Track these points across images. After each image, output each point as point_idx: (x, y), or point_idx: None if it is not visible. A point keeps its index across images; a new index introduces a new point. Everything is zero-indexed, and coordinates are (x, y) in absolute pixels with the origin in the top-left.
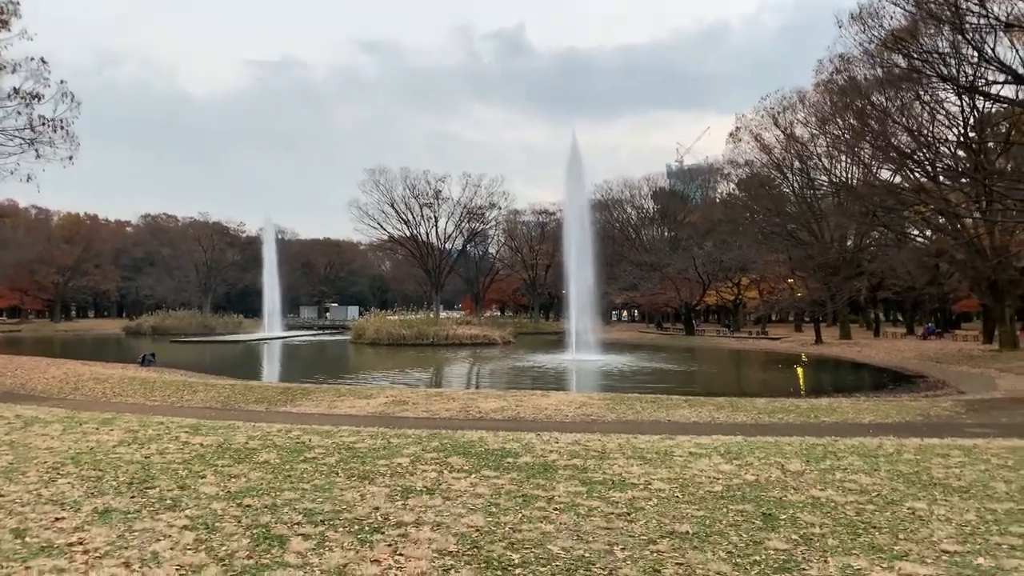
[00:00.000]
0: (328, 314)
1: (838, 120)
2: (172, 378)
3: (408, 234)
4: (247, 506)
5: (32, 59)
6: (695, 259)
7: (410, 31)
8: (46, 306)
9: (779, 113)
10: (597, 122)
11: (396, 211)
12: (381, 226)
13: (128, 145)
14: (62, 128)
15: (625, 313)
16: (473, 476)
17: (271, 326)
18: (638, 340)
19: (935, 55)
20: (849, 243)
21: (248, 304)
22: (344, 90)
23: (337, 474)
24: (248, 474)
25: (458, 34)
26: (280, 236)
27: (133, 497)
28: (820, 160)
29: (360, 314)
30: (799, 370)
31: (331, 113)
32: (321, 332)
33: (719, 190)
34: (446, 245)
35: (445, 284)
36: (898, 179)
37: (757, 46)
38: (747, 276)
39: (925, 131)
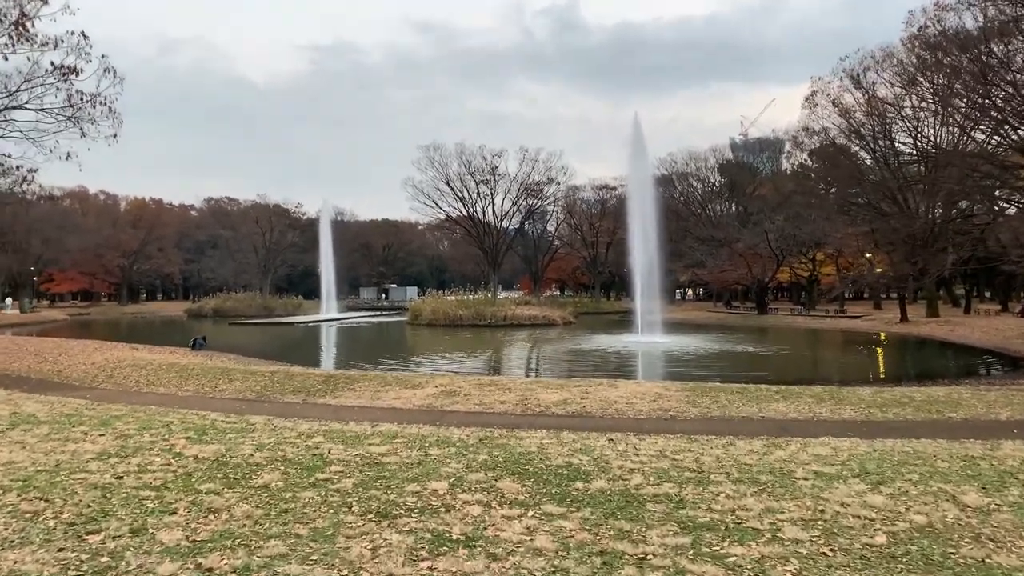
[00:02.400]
0: (387, 295)
1: (929, 77)
2: (214, 364)
3: (464, 212)
4: (208, 571)
5: (72, 33)
6: (767, 233)
7: (463, 10)
8: (114, 289)
9: (861, 73)
10: (653, 96)
11: (452, 188)
12: (437, 204)
13: (191, 130)
14: (103, 104)
15: (690, 291)
16: (531, 514)
17: (328, 308)
18: (706, 320)
19: None
20: (938, 213)
21: (308, 285)
22: (398, 71)
23: (350, 508)
24: (234, 508)
25: (511, 11)
26: (338, 217)
27: (61, 550)
28: (906, 123)
29: (419, 295)
30: (881, 351)
31: (386, 94)
32: (379, 313)
33: (790, 161)
34: (503, 223)
35: (503, 263)
36: (995, 141)
37: (818, 15)
38: (823, 251)
39: None
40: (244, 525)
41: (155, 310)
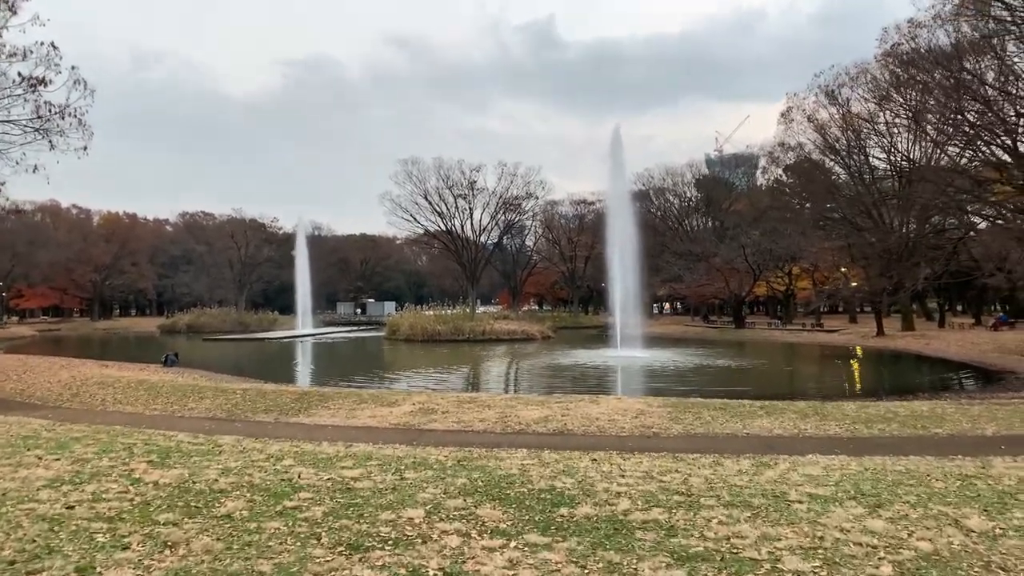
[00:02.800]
0: (365, 310)
1: (903, 93)
2: (185, 382)
3: (443, 227)
4: None
5: (42, 44)
6: (744, 247)
7: (440, 25)
8: (86, 305)
9: (836, 89)
10: (630, 113)
11: (430, 203)
12: (414, 218)
13: (166, 145)
14: (72, 116)
15: (667, 306)
16: (514, 545)
17: (304, 323)
18: (684, 334)
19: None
20: (912, 228)
21: (285, 301)
22: (376, 86)
23: (318, 540)
24: (192, 541)
25: (488, 27)
26: (316, 232)
27: None
28: (880, 138)
29: (397, 310)
30: (859, 366)
31: (364, 110)
32: (357, 328)
33: (766, 176)
34: (482, 238)
35: (481, 278)
36: (967, 156)
37: (792, 33)
38: (799, 265)
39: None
40: (202, 561)
41: (128, 326)
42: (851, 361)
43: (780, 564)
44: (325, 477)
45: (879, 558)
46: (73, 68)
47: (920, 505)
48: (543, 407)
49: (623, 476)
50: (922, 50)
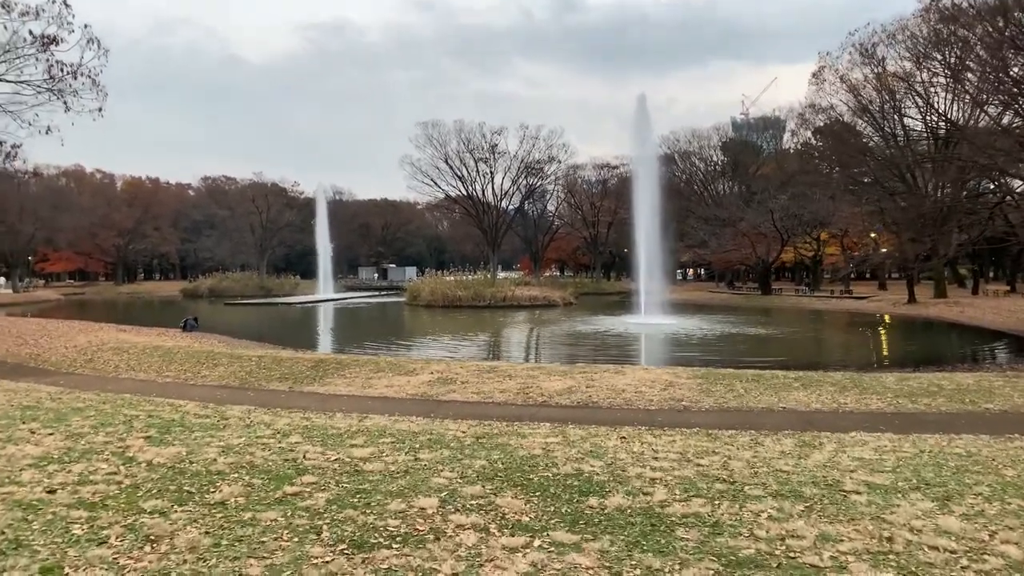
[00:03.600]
0: (386, 275)
1: (943, 50)
2: (201, 348)
3: (463, 191)
4: None
5: (54, 2)
6: (772, 212)
7: None
8: (110, 269)
9: (871, 47)
10: (653, 77)
11: (450, 167)
12: (435, 183)
13: (187, 110)
14: (86, 76)
15: (691, 272)
16: (538, 544)
17: (325, 288)
18: (709, 300)
19: None
20: (947, 192)
21: (307, 265)
22: (398, 51)
23: (318, 535)
24: (177, 535)
25: None
26: (337, 197)
27: None
28: (917, 99)
29: (418, 275)
30: (893, 334)
31: (386, 74)
32: (378, 293)
33: (794, 140)
34: (503, 202)
35: (503, 243)
36: (1007, 119)
37: None
38: (827, 231)
39: None
40: (184, 560)
41: (151, 290)
42: (882, 329)
43: (848, 570)
44: (333, 457)
45: (962, 567)
46: (86, 27)
47: (995, 499)
48: (566, 377)
49: (656, 458)
50: (965, 4)
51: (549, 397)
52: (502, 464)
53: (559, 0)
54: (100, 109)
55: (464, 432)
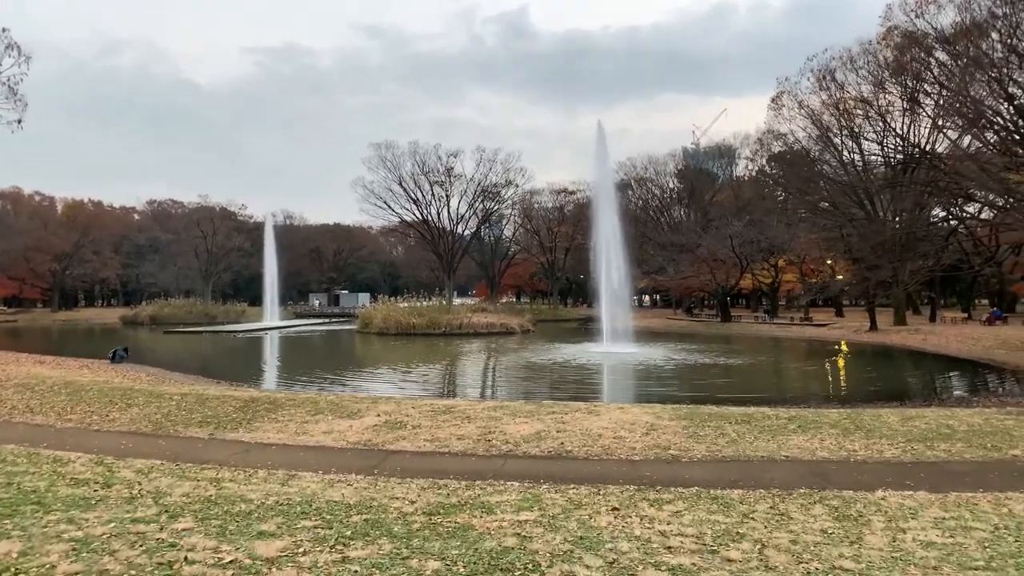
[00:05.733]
0: (338, 301)
1: (904, 73)
2: (120, 383)
3: (418, 215)
4: None
5: None
6: (731, 238)
7: (413, 15)
8: (47, 295)
9: (829, 74)
10: (604, 106)
11: (405, 189)
12: (388, 206)
13: (135, 133)
14: (2, 83)
15: (647, 298)
16: None
17: (272, 315)
18: (668, 328)
19: None
20: (904, 219)
21: (256, 291)
22: (349, 76)
23: None
24: None
25: (461, 18)
26: (288, 221)
27: None
28: (875, 123)
29: (372, 301)
30: (863, 363)
31: (337, 99)
32: (329, 321)
33: (748, 168)
34: (459, 227)
35: (458, 269)
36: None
37: (763, 27)
38: (785, 257)
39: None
40: None
41: (89, 317)
42: (850, 358)
43: None
44: (227, 559)
45: None
46: (4, 31)
47: None
48: (533, 419)
49: (669, 548)
50: (919, 32)
51: (515, 445)
52: (463, 567)
53: (509, 27)
54: (19, 121)
55: (413, 502)
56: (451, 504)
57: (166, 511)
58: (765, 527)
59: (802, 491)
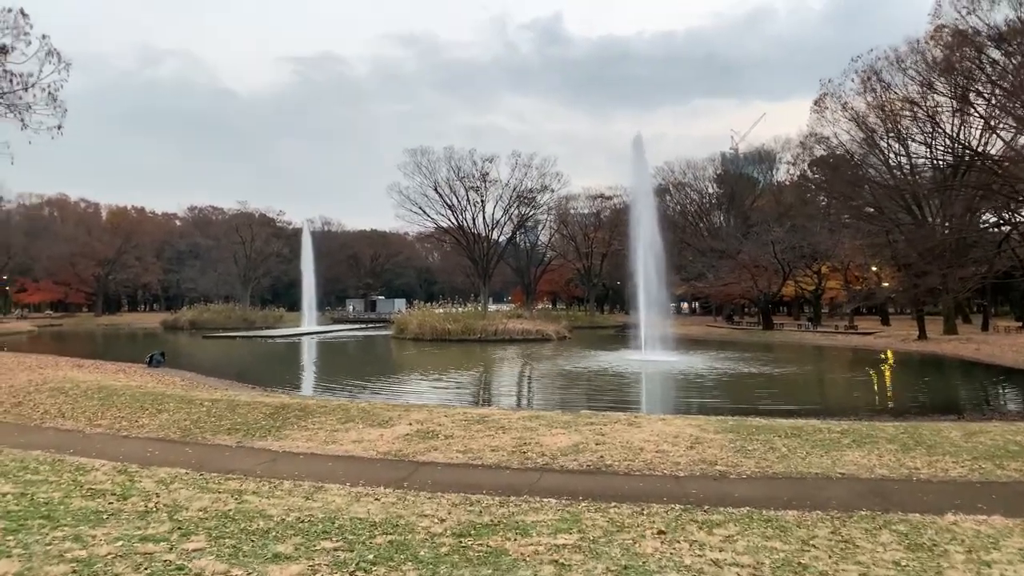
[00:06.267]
0: (375, 307)
1: (953, 72)
2: (151, 388)
3: (453, 220)
4: None
5: (9, 10)
6: (773, 244)
7: (446, 23)
8: (91, 299)
9: (874, 74)
10: (639, 112)
11: (440, 195)
12: (424, 211)
13: (177, 141)
14: (41, 89)
15: (685, 305)
16: None
17: (310, 320)
18: (707, 335)
19: None
20: (954, 224)
21: (294, 297)
22: (384, 84)
23: None
24: None
25: (495, 25)
26: (325, 227)
27: None
28: (923, 125)
29: (408, 307)
30: (916, 374)
31: (372, 107)
32: (365, 326)
33: (789, 172)
34: (494, 233)
35: (494, 275)
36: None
37: (802, 31)
38: (828, 264)
39: None
40: None
41: (131, 321)
42: (900, 368)
43: None
44: None
45: None
46: (44, 37)
47: None
48: (571, 431)
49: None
50: (970, 31)
51: (552, 458)
52: None
53: (543, 34)
54: (59, 127)
55: (443, 521)
56: (483, 524)
57: (179, 528)
58: (829, 557)
59: (863, 513)
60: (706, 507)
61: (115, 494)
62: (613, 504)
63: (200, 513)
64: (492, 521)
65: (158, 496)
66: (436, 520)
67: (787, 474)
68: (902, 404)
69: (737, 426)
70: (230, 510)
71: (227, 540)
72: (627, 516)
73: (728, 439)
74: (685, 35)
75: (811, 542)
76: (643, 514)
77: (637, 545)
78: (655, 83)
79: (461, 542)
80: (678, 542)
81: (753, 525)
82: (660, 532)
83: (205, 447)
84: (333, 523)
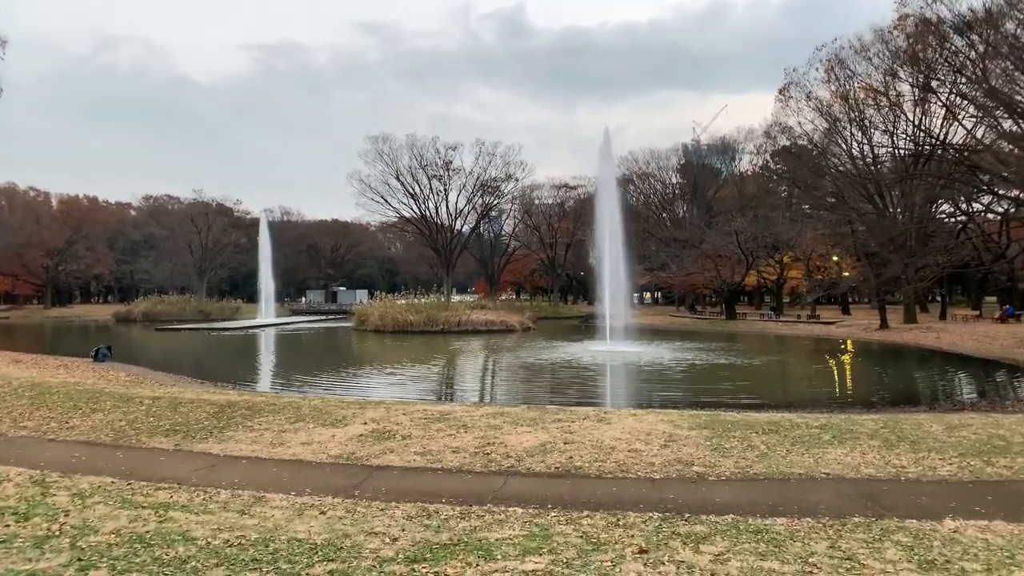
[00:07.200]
0: (336, 298)
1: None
2: (92, 385)
3: (416, 210)
4: None
5: None
6: (737, 233)
7: (409, 12)
8: (39, 291)
9: (841, 62)
10: (602, 103)
11: (402, 183)
12: (385, 200)
13: (133, 129)
14: None
15: (648, 295)
16: None
17: (267, 312)
18: (670, 326)
19: None
20: (915, 214)
21: (253, 288)
22: (346, 73)
23: None
24: None
25: (457, 14)
26: (285, 217)
27: None
28: (884, 116)
29: (369, 298)
30: (878, 363)
31: (335, 96)
32: (325, 318)
33: (752, 163)
34: (458, 223)
35: (457, 265)
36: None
37: (761, 25)
38: (790, 254)
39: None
40: None
41: (82, 314)
42: (857, 357)
43: None
44: None
45: None
46: None
47: None
48: (537, 428)
49: None
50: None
51: (518, 459)
52: None
53: (505, 24)
54: None
55: (395, 540)
56: (440, 544)
57: (79, 559)
58: None
59: (857, 520)
60: (687, 515)
61: (16, 513)
62: (586, 513)
63: (111, 537)
64: (451, 540)
65: (67, 515)
66: (387, 540)
67: (769, 475)
68: (873, 395)
69: (712, 421)
70: (148, 532)
71: (133, 574)
72: (602, 529)
73: (703, 436)
74: (648, 26)
75: (811, 560)
76: (619, 526)
77: (617, 569)
78: (618, 75)
79: (413, 570)
80: (663, 563)
81: (742, 538)
82: (641, 551)
83: (139, 451)
84: (267, 547)
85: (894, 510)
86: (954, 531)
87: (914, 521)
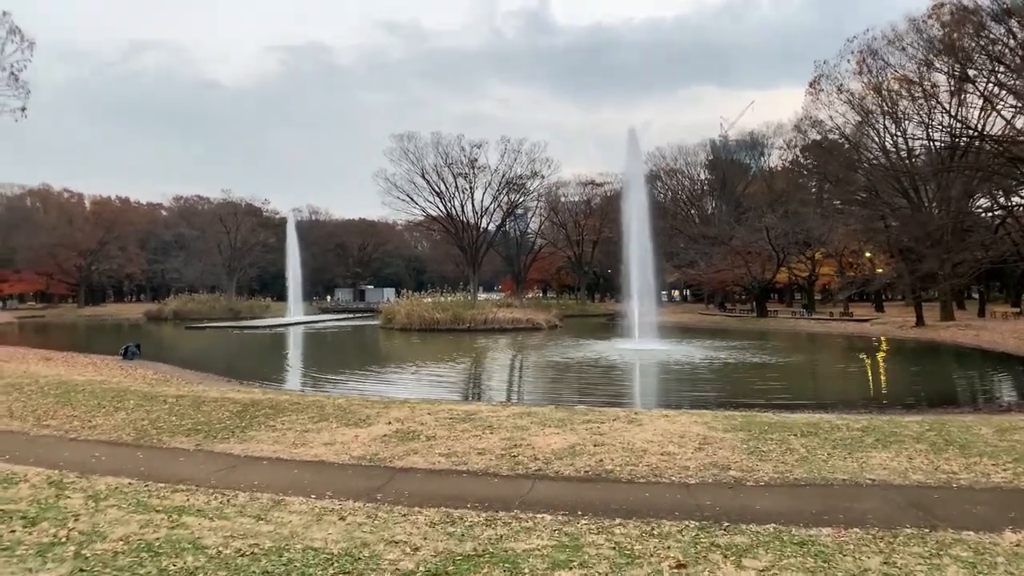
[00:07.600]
0: (363, 297)
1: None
2: (116, 384)
3: (442, 208)
4: None
5: None
6: (768, 230)
7: (431, 11)
8: (73, 290)
9: (873, 53)
10: (627, 100)
11: (428, 182)
12: (411, 199)
13: (163, 132)
14: (3, 69)
15: (677, 293)
16: None
17: (296, 311)
18: (700, 323)
19: None
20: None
21: (282, 287)
22: (370, 73)
23: None
24: None
25: (481, 12)
26: (313, 216)
27: None
28: (919, 107)
29: (397, 296)
30: (919, 361)
31: (359, 96)
32: (353, 316)
33: (782, 158)
34: (483, 221)
35: (483, 263)
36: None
37: (786, 18)
38: (822, 250)
39: None
40: None
41: (114, 312)
42: (894, 356)
43: None
44: None
45: None
46: (4, 14)
47: None
48: (565, 430)
49: None
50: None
51: (546, 462)
52: None
53: (530, 22)
54: (23, 109)
55: (416, 549)
56: (464, 555)
57: (81, 570)
58: None
59: (909, 531)
60: (726, 524)
61: (25, 517)
62: (618, 521)
63: (118, 545)
64: (475, 550)
65: (77, 519)
66: (408, 549)
67: (810, 480)
68: (913, 395)
69: (747, 423)
70: (158, 539)
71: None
72: (635, 539)
73: (739, 438)
74: (673, 22)
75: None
76: (654, 535)
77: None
78: (643, 71)
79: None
80: (701, 570)
81: (787, 551)
82: (679, 565)
83: (159, 451)
84: (280, 557)
85: (948, 520)
86: (1017, 545)
87: (971, 533)
